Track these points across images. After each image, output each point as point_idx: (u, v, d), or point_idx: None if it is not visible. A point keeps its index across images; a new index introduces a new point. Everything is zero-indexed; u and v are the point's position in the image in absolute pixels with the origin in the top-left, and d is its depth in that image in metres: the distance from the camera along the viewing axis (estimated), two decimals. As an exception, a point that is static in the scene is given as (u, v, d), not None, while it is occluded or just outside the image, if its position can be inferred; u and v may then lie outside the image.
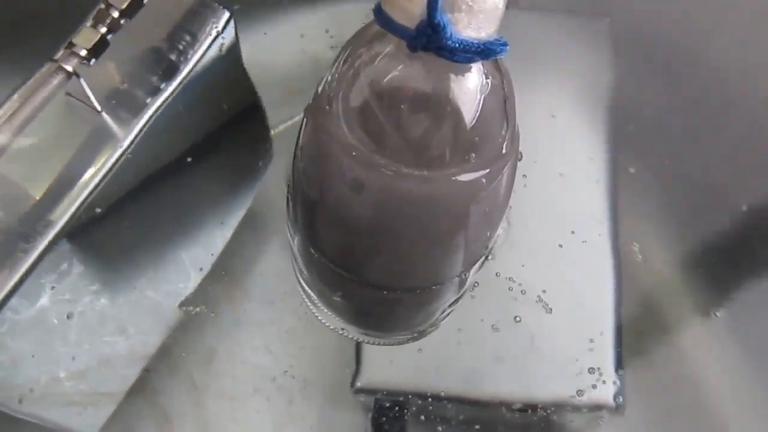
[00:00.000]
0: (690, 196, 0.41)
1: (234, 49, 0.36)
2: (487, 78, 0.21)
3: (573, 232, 0.38)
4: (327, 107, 0.22)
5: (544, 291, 0.36)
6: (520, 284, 0.36)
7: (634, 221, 0.39)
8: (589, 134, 0.41)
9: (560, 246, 0.37)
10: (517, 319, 0.35)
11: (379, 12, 0.20)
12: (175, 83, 0.33)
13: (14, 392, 0.32)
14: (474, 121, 0.21)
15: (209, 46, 0.34)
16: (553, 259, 0.37)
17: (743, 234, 0.40)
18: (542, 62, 0.43)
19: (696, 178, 0.41)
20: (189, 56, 0.33)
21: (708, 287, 0.39)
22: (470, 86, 0.21)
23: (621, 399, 0.34)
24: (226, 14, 0.34)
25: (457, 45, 0.19)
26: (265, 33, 0.42)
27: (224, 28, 0.34)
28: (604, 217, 0.38)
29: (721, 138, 0.43)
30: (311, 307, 0.33)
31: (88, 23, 0.30)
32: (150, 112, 0.33)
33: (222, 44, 0.35)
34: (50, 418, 0.32)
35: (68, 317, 0.33)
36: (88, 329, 0.34)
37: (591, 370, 0.35)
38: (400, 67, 0.21)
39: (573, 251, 0.37)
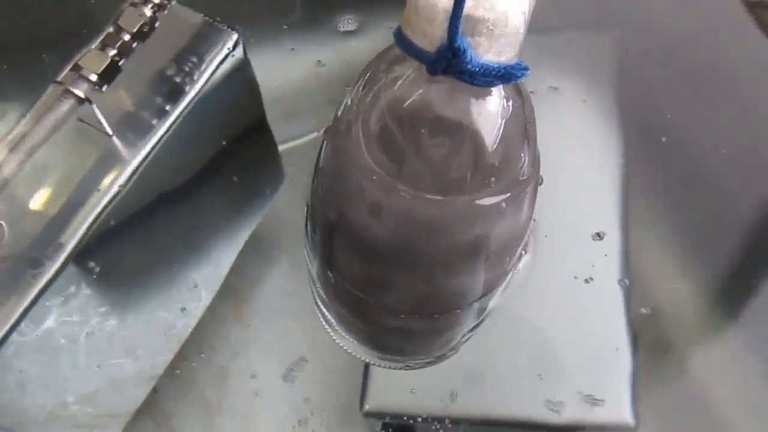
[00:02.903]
0: (701, 212, 0.40)
1: (245, 71, 0.36)
2: (507, 102, 0.21)
3: (584, 247, 0.37)
4: (347, 130, 0.22)
5: (555, 311, 0.36)
6: (530, 305, 0.36)
7: (646, 237, 0.39)
8: (597, 148, 0.41)
9: (571, 267, 0.37)
10: (529, 340, 0.35)
11: (399, 35, 0.20)
12: (183, 105, 0.33)
13: (21, 416, 0.32)
14: (494, 145, 0.21)
15: (217, 68, 0.34)
16: (564, 280, 0.37)
17: (757, 250, 0.40)
18: (549, 77, 0.43)
19: (708, 192, 0.41)
20: (197, 78, 0.34)
21: (720, 304, 0.38)
22: (491, 110, 0.21)
23: (635, 418, 0.34)
24: (235, 36, 0.34)
25: (477, 69, 0.19)
26: (269, 54, 0.42)
27: (233, 49, 0.34)
28: (615, 232, 0.38)
29: (733, 149, 0.42)
30: (329, 330, 0.32)
31: (94, 46, 0.30)
32: (159, 135, 0.33)
33: (232, 65, 0.35)
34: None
35: (76, 339, 0.33)
36: (96, 351, 0.33)
37: (605, 390, 0.35)
38: (421, 90, 0.21)
39: (585, 272, 0.37)
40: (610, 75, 0.43)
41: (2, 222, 0.30)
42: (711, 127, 0.43)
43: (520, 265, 0.36)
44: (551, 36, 0.44)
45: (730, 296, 0.38)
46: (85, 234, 0.31)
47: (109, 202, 0.32)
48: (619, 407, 0.34)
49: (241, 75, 0.37)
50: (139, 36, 0.31)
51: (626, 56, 0.44)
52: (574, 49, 0.44)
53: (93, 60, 0.30)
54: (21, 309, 0.29)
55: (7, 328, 0.28)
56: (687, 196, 0.41)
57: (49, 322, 0.33)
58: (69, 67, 0.30)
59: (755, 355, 0.37)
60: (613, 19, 0.46)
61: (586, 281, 0.37)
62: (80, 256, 0.31)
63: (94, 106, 0.31)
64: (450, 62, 0.19)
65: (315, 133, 0.40)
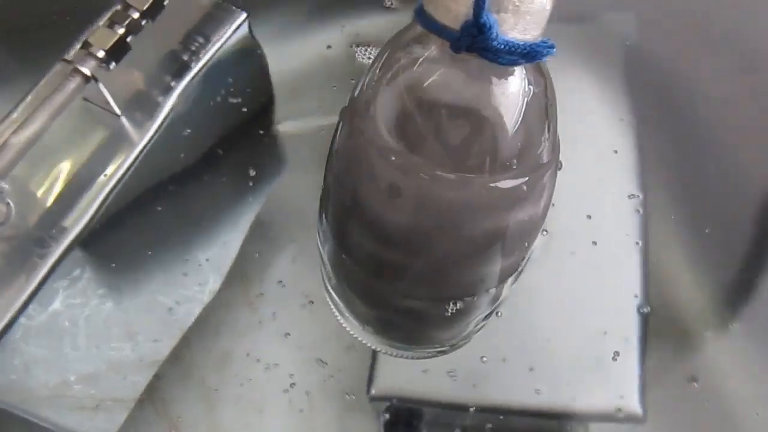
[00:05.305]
0: (711, 205, 0.40)
1: (252, 50, 0.36)
2: (530, 83, 0.21)
3: (597, 240, 0.37)
4: (364, 110, 0.22)
5: (566, 299, 0.36)
6: (541, 291, 0.36)
7: (659, 227, 0.38)
8: (608, 135, 0.40)
9: (584, 254, 0.37)
10: (538, 326, 0.35)
11: (420, 12, 0.20)
12: (190, 85, 0.33)
13: (27, 396, 0.32)
14: (516, 127, 0.21)
15: (223, 47, 0.34)
16: (576, 267, 0.36)
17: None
18: (557, 66, 0.42)
19: (720, 185, 0.40)
20: (203, 58, 0.33)
21: (730, 296, 0.38)
22: (513, 91, 0.20)
23: (644, 409, 0.34)
24: (243, 16, 0.34)
25: (502, 46, 0.19)
26: (277, 37, 0.42)
27: (237, 29, 0.34)
28: (630, 225, 0.38)
29: (745, 138, 0.42)
30: (338, 316, 0.32)
31: (102, 22, 0.30)
32: (164, 114, 0.32)
33: (239, 46, 0.34)
34: (62, 422, 0.32)
35: (79, 322, 0.33)
36: (98, 334, 0.33)
37: (614, 379, 0.34)
38: (441, 70, 0.20)
39: (597, 260, 0.37)
40: (622, 55, 0.43)
41: (9, 201, 0.30)
42: (722, 114, 0.42)
43: (535, 252, 0.36)
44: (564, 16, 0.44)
45: (742, 286, 0.38)
46: (92, 217, 0.31)
47: (117, 184, 0.32)
48: (628, 397, 0.34)
49: (249, 55, 0.36)
50: (149, 14, 0.30)
51: (639, 35, 0.43)
52: (587, 29, 0.44)
53: (101, 37, 0.29)
54: (31, 288, 0.29)
55: (17, 307, 0.28)
56: (704, 189, 0.40)
57: (56, 305, 0.33)
58: (78, 45, 0.30)
59: (765, 345, 0.37)
60: (619, 6, 0.45)
61: (597, 269, 0.36)
62: (86, 238, 0.31)
63: (101, 85, 0.30)
64: (475, 39, 0.18)
65: (320, 117, 0.40)
